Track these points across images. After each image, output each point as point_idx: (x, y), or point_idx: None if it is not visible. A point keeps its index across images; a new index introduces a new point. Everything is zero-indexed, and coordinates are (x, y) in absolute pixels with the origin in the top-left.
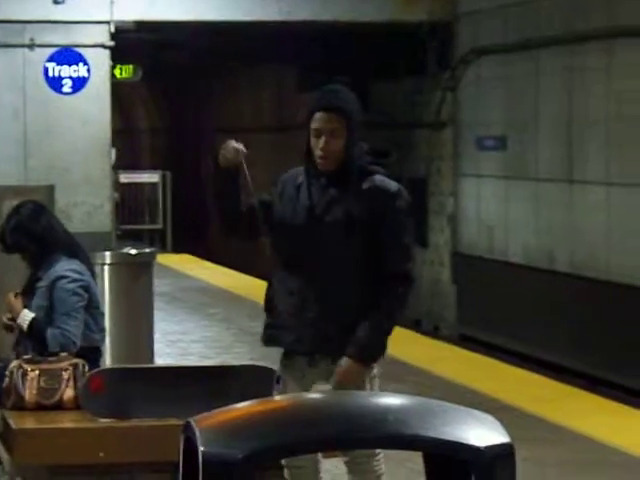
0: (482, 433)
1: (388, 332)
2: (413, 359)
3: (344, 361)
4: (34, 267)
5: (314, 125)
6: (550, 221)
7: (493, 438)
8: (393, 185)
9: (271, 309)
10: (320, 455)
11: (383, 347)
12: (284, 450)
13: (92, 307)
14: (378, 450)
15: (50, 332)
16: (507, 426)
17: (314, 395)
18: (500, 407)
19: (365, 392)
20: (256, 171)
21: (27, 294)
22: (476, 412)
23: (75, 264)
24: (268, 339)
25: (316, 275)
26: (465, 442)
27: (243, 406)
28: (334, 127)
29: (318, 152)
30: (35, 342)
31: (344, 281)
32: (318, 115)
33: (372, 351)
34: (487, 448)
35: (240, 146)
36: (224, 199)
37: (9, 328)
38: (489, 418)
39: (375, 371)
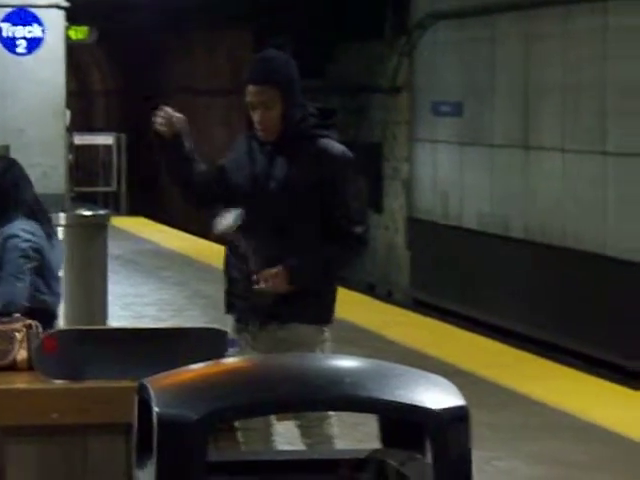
0: (437, 396)
1: (322, 272)
2: (367, 323)
3: (277, 267)
4: None
5: (247, 98)
6: (505, 187)
7: (448, 401)
8: (337, 148)
9: (228, 276)
10: (273, 418)
11: (314, 275)
12: (239, 412)
13: (45, 269)
14: (331, 413)
15: None
16: (461, 391)
17: (269, 357)
18: (454, 372)
19: (320, 355)
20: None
21: None
22: (431, 375)
23: (30, 225)
24: (227, 307)
25: (265, 243)
26: (420, 405)
27: (197, 368)
28: (266, 99)
29: (256, 126)
30: None
31: (293, 248)
32: (250, 88)
33: (303, 270)
34: (442, 411)
35: (174, 114)
36: (171, 170)
37: None
38: (444, 381)
39: (326, 334)
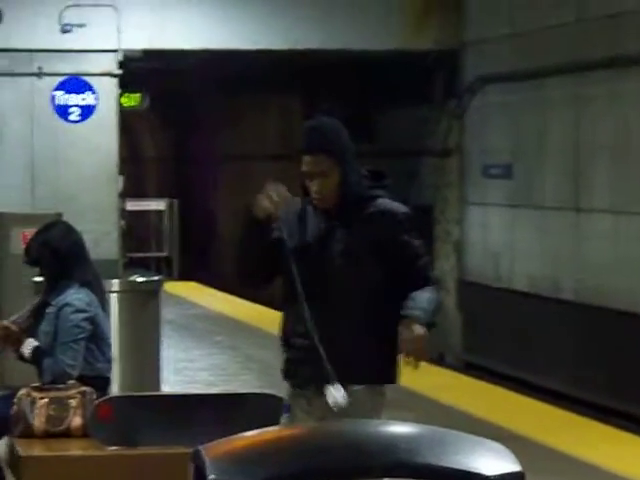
0: (493, 462)
1: (438, 308)
2: (419, 387)
3: (406, 323)
4: (47, 287)
5: (303, 168)
6: (556, 249)
7: (504, 467)
8: (397, 206)
9: (286, 343)
10: None
11: (433, 318)
12: (293, 479)
13: (98, 338)
14: None
15: (46, 362)
16: (515, 455)
17: (323, 423)
18: (507, 436)
19: (374, 420)
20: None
21: (36, 317)
22: (487, 441)
23: (84, 293)
24: (286, 374)
25: (326, 308)
26: (476, 471)
27: (252, 434)
28: (323, 168)
29: (313, 194)
30: (37, 370)
31: (355, 313)
32: (305, 158)
33: (433, 316)
34: (499, 477)
35: (282, 190)
36: (246, 252)
37: (21, 357)
38: (500, 446)
39: (383, 398)
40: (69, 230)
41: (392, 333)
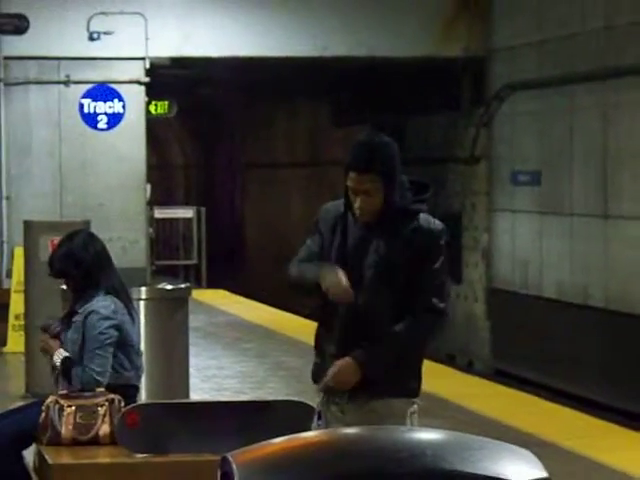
0: (520, 468)
1: (399, 352)
2: (448, 394)
3: (344, 359)
4: (74, 296)
5: (349, 183)
6: (584, 256)
7: (531, 473)
8: (438, 225)
9: (318, 349)
10: None
11: (383, 363)
12: None
13: (127, 345)
14: None
15: (74, 371)
16: (542, 462)
17: (351, 430)
18: (535, 442)
19: (402, 427)
20: (291, 204)
21: (64, 327)
22: (514, 447)
23: (110, 300)
24: (315, 379)
25: (357, 318)
26: (504, 477)
27: (279, 441)
28: (369, 188)
29: (356, 210)
30: (67, 379)
31: (385, 322)
32: (352, 175)
33: (373, 360)
34: None
35: (348, 285)
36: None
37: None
38: (527, 453)
39: (415, 407)
40: (92, 239)
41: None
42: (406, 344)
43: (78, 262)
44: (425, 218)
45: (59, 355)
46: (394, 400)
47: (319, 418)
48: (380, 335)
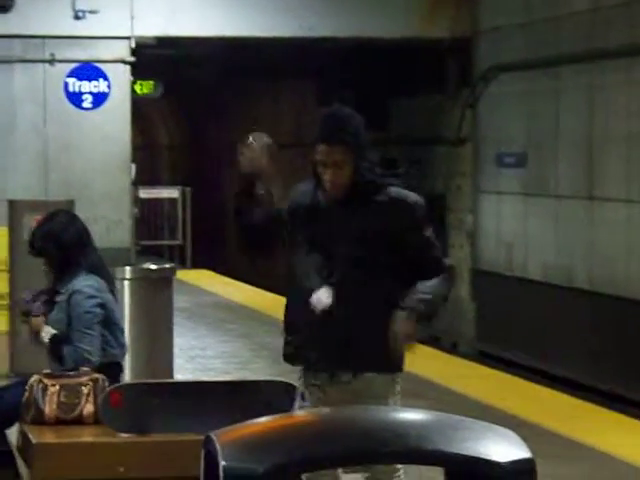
0: (503, 448)
1: (432, 302)
2: (432, 375)
3: (399, 314)
4: (55, 277)
5: (318, 156)
6: (569, 238)
7: (514, 453)
8: (411, 195)
9: (290, 327)
10: (340, 470)
11: (434, 309)
12: (305, 465)
13: (111, 323)
14: (399, 466)
15: (65, 349)
16: (526, 443)
17: (334, 410)
18: (519, 424)
19: (386, 407)
20: (275, 186)
21: (47, 307)
22: (497, 427)
23: (93, 279)
24: (289, 357)
25: (338, 294)
26: (486, 457)
27: (263, 421)
28: (338, 159)
29: (326, 183)
30: (55, 358)
31: (367, 298)
32: (321, 147)
33: (432, 304)
34: (508, 463)
35: (265, 139)
36: (241, 214)
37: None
38: (510, 434)
39: (398, 387)
40: (72, 218)
41: None
42: (438, 295)
43: (58, 241)
44: (397, 191)
45: (48, 332)
46: (377, 379)
47: (302, 399)
48: (365, 316)
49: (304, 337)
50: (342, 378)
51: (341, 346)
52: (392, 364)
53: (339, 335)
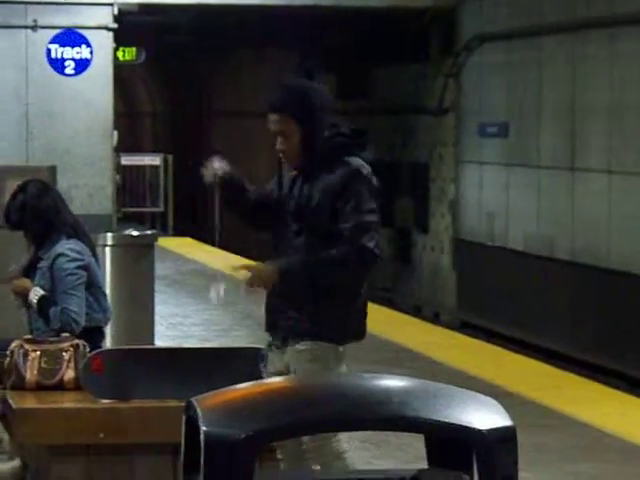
0: (485, 416)
1: (314, 268)
2: (413, 345)
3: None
4: (36, 246)
5: (268, 126)
6: (551, 209)
7: (496, 421)
8: (353, 163)
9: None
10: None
11: (300, 273)
12: (286, 431)
13: (94, 287)
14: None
15: (52, 311)
16: (507, 412)
17: (316, 376)
18: (500, 393)
19: (368, 374)
20: (258, 153)
21: (29, 274)
22: (479, 395)
23: (74, 243)
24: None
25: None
26: (468, 425)
27: (245, 387)
28: (284, 128)
29: (278, 152)
30: (43, 319)
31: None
32: (270, 116)
33: (290, 268)
34: (490, 431)
35: (218, 166)
36: (232, 208)
37: (29, 306)
38: (492, 402)
39: (340, 350)
40: (45, 187)
41: (346, 291)
42: (325, 264)
43: (34, 212)
44: (346, 161)
45: (36, 293)
46: (318, 344)
47: (261, 360)
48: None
49: (267, 304)
50: (290, 342)
51: (285, 313)
52: (331, 335)
53: (274, 303)
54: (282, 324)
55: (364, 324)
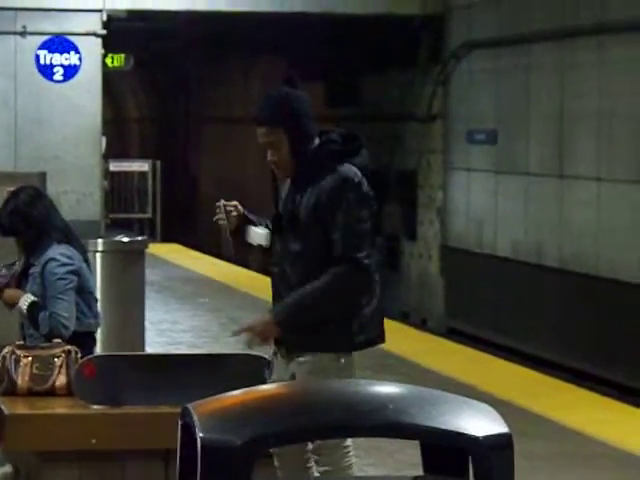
0: (480, 423)
1: (310, 305)
2: (401, 351)
3: (265, 315)
4: (27, 252)
5: (258, 140)
6: (539, 216)
7: (492, 428)
8: (340, 172)
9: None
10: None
11: (297, 316)
12: (282, 437)
13: (85, 292)
14: (347, 442)
15: (41, 316)
16: None
17: (312, 383)
18: (488, 400)
19: (363, 380)
20: (247, 160)
21: (21, 281)
22: (475, 402)
23: (65, 248)
24: None
25: (282, 274)
26: (463, 431)
27: (241, 393)
28: (272, 140)
29: (270, 165)
30: (32, 325)
31: (304, 277)
32: (257, 130)
33: (287, 316)
34: (485, 438)
35: (228, 206)
36: (242, 253)
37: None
38: (488, 408)
39: (342, 361)
40: (38, 194)
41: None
42: (318, 297)
43: (26, 219)
44: (338, 170)
45: (26, 299)
46: (320, 355)
47: (267, 367)
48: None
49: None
50: (293, 353)
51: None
52: (334, 344)
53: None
54: (284, 335)
55: (373, 330)
